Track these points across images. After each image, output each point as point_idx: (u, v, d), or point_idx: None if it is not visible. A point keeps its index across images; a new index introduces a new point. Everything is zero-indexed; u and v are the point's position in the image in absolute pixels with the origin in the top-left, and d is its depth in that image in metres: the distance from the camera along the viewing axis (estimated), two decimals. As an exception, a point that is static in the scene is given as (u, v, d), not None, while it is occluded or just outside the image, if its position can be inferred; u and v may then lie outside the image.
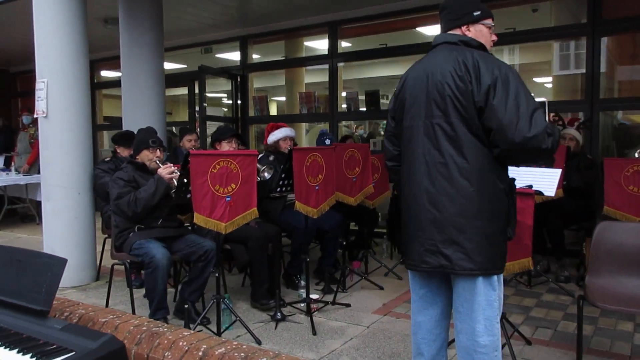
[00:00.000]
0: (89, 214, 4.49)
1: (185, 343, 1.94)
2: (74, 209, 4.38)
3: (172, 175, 3.46)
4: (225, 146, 4.01)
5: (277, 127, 4.50)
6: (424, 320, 2.12)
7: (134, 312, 3.47)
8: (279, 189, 3.65)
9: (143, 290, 3.80)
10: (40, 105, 4.33)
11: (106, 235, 4.70)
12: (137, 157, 3.68)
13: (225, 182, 3.11)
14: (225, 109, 11.09)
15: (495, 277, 1.99)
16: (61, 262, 1.95)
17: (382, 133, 9.01)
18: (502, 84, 1.85)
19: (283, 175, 3.62)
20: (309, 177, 3.56)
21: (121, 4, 5.24)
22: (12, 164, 7.85)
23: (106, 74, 9.58)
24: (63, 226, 4.36)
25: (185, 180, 3.08)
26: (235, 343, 1.92)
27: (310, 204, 3.58)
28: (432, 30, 6.50)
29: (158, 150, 3.65)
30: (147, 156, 3.62)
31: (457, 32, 2.06)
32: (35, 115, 4.40)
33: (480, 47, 2.01)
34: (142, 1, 5.16)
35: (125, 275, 4.42)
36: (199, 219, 3.01)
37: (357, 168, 4.13)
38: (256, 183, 3.28)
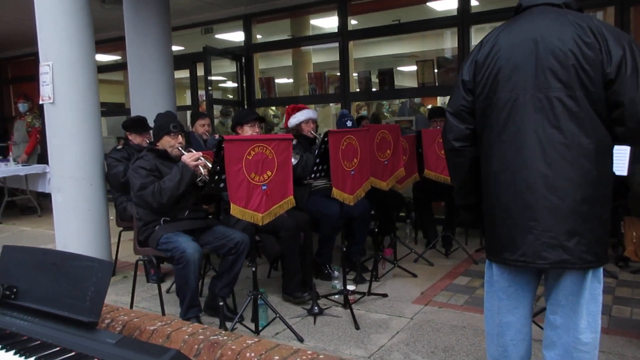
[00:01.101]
0: (102, 206, 4.24)
1: (253, 354, 1.71)
2: (86, 201, 4.11)
3: (197, 162, 3.22)
4: (248, 130, 3.76)
5: (299, 109, 4.25)
6: (513, 321, 1.91)
7: (163, 311, 3.26)
8: (313, 175, 3.41)
9: (162, 285, 3.59)
10: (45, 91, 4.04)
11: (121, 228, 4.46)
12: (157, 144, 3.42)
13: (261, 170, 2.87)
14: (224, 92, 10.76)
15: (601, 269, 1.79)
16: (107, 267, 1.70)
17: (386, 114, 8.77)
18: (631, 55, 1.64)
19: (318, 160, 3.38)
20: (345, 161, 3.33)
21: (124, -19, 4.92)
22: (10, 153, 7.52)
23: (100, 57, 9.20)
24: (76, 219, 4.10)
25: (218, 169, 2.83)
26: (309, 352, 1.71)
27: (347, 190, 3.36)
28: (443, 5, 6.24)
29: (180, 135, 3.40)
30: (169, 142, 3.37)
31: None
32: (40, 102, 4.10)
33: (580, 10, 1.79)
34: (146, -22, 4.85)
35: (144, 270, 4.24)
36: (235, 210, 2.77)
37: (388, 150, 3.90)
38: (292, 169, 3.05)
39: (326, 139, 3.25)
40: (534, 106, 1.73)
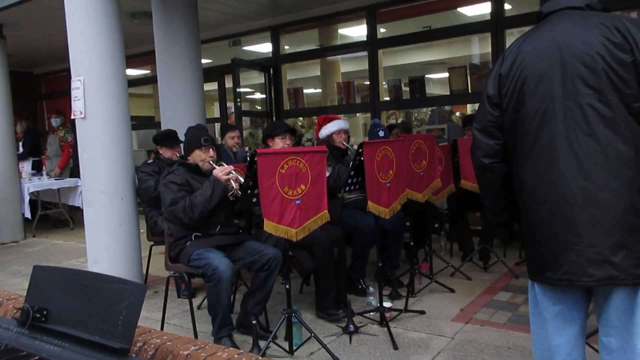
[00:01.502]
0: (133, 221, 4.20)
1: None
2: (117, 216, 4.08)
3: (229, 176, 3.15)
4: (279, 142, 3.68)
5: (330, 120, 4.16)
6: (562, 343, 1.76)
7: (194, 328, 3.17)
8: (347, 188, 3.30)
9: (194, 301, 3.51)
10: (77, 106, 4.04)
11: (152, 243, 4.43)
12: (188, 158, 3.37)
13: (295, 183, 2.77)
14: (252, 103, 10.76)
15: None
16: (140, 290, 1.62)
17: (415, 122, 8.59)
18: None
19: (352, 173, 3.26)
20: (380, 173, 3.21)
21: (154, -3, 4.92)
22: (43, 168, 7.63)
23: (130, 71, 9.31)
24: (107, 234, 4.07)
25: (251, 183, 2.74)
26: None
27: (382, 204, 3.24)
28: (475, 10, 6.08)
29: (211, 149, 3.33)
30: (200, 156, 3.31)
31: None
32: (72, 117, 4.10)
33: (605, 10, 1.70)
34: (176, -7, 4.84)
35: (175, 285, 4.19)
36: (268, 225, 2.68)
37: (424, 161, 3.76)
38: (326, 183, 2.94)
39: (361, 150, 3.14)
40: (564, 115, 1.64)
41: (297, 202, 2.78)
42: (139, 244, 4.30)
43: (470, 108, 9.32)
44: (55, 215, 7.90)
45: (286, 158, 2.72)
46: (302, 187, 2.81)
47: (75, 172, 7.97)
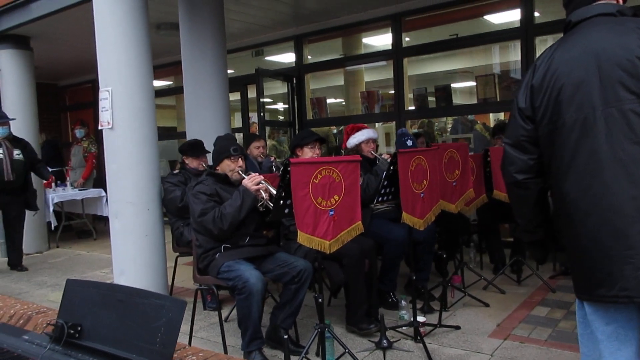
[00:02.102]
0: (159, 232, 4.15)
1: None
2: (143, 227, 4.04)
3: (258, 186, 3.08)
4: (308, 152, 3.61)
5: (358, 129, 4.08)
6: None
7: (224, 342, 3.09)
8: (380, 198, 3.21)
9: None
10: (104, 116, 4.02)
11: (177, 254, 4.38)
12: (217, 168, 3.31)
13: (328, 194, 2.69)
14: (274, 113, 10.75)
15: None
16: (179, 306, 1.54)
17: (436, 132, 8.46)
18: None
19: (386, 183, 3.17)
20: (414, 183, 3.11)
21: (181, 9, 4.91)
22: (67, 178, 7.68)
23: (154, 82, 9.38)
24: (133, 245, 4.03)
25: (283, 194, 2.67)
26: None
27: (417, 214, 3.13)
28: (503, 18, 5.98)
29: (240, 159, 3.28)
30: (229, 166, 3.25)
31: (611, 0, 1.68)
32: (100, 127, 4.09)
33: (635, 15, 1.63)
34: (202, 5, 4.82)
35: (201, 297, 4.12)
36: (302, 237, 2.59)
37: (456, 171, 3.66)
38: (360, 193, 2.85)
39: (395, 159, 3.04)
40: (606, 123, 1.55)
41: (331, 213, 2.70)
42: (165, 254, 4.26)
43: (492, 117, 9.17)
44: (79, 226, 7.93)
45: (320, 168, 2.64)
46: (336, 197, 2.72)
47: (98, 183, 8.01)
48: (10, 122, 5.64)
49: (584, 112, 1.60)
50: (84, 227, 7.81)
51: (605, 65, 1.57)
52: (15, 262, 5.83)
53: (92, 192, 7.29)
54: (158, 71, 8.28)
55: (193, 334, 3.42)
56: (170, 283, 4.42)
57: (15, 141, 5.64)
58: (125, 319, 1.61)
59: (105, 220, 7.58)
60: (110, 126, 4.00)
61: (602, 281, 1.58)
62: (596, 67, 1.58)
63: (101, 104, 4.05)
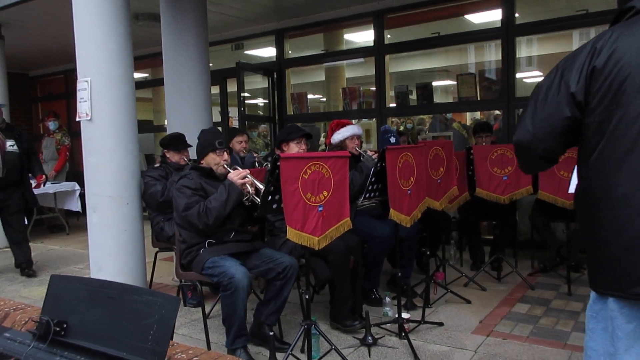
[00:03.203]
0: (138, 227, 4.05)
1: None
2: (122, 222, 3.93)
3: (244, 180, 3.03)
4: (294, 147, 3.57)
5: (343, 125, 4.05)
6: None
7: (207, 339, 3.04)
8: (367, 194, 3.19)
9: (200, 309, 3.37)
10: (83, 107, 3.90)
11: (157, 249, 4.29)
12: (201, 162, 3.25)
13: (317, 189, 2.66)
14: (254, 108, 10.65)
15: None
16: (172, 303, 1.50)
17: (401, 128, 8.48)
18: None
19: (373, 179, 3.16)
20: (402, 180, 3.11)
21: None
22: (39, 171, 7.44)
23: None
24: (111, 240, 3.92)
25: (272, 188, 2.63)
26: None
27: (404, 211, 3.13)
28: (482, 18, 6.04)
29: (225, 152, 3.22)
30: (214, 160, 3.19)
31: None
32: (77, 119, 3.96)
33: None
34: (185, -5, 4.73)
35: (182, 293, 4.05)
36: (291, 233, 2.56)
37: (441, 168, 3.67)
38: (348, 189, 2.83)
39: (383, 156, 3.03)
40: None
41: (320, 209, 2.67)
42: (144, 250, 4.16)
43: (469, 116, 9.28)
44: (51, 220, 7.71)
45: (309, 163, 2.61)
46: (325, 193, 2.70)
47: (71, 176, 7.80)
48: (2, 108, 5.11)
49: None
50: (57, 221, 7.60)
51: None
52: (23, 265, 5.20)
53: (66, 186, 7.09)
54: (135, 63, 8.11)
55: (174, 330, 3.34)
56: (149, 279, 4.32)
57: (7, 130, 5.04)
58: (116, 316, 1.55)
59: (78, 214, 7.39)
60: (88, 118, 3.88)
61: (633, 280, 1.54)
62: None
63: (79, 94, 3.92)
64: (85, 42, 3.88)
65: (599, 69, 1.59)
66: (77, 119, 3.98)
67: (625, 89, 1.55)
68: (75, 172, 7.97)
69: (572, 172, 3.13)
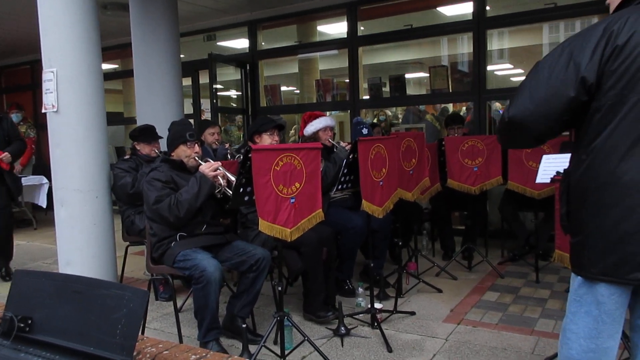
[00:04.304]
0: (108, 220, 3.98)
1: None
2: (91, 215, 3.85)
3: (216, 172, 3.01)
4: (267, 139, 3.55)
5: (316, 116, 4.04)
6: (613, 345, 1.68)
7: (179, 332, 3.01)
8: (340, 186, 3.20)
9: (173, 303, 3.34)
10: (49, 99, 3.80)
11: (127, 243, 4.22)
12: (172, 154, 3.20)
13: (289, 181, 2.66)
14: (227, 100, 10.54)
15: None
16: (141, 296, 1.47)
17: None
18: None
19: (345, 171, 3.16)
20: (374, 171, 3.13)
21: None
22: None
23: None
24: (80, 235, 3.84)
25: (244, 180, 2.61)
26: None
27: (376, 202, 3.15)
28: (455, 10, 6.09)
29: (196, 144, 3.18)
30: (185, 152, 3.15)
31: None
32: (43, 110, 3.86)
33: None
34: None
35: (153, 287, 4.00)
36: (263, 225, 2.55)
37: (413, 160, 3.70)
38: (320, 181, 2.84)
39: (355, 147, 3.04)
40: None
41: (292, 200, 2.67)
42: (114, 244, 4.10)
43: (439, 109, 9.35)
44: (18, 215, 7.50)
45: (281, 155, 2.60)
46: (297, 184, 2.69)
47: (38, 170, 7.60)
48: None
49: None
50: (24, 215, 7.41)
51: None
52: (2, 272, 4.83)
53: (33, 180, 6.91)
54: (103, 54, 7.91)
55: (146, 325, 3.32)
56: (120, 273, 4.26)
57: None
58: (83, 311, 1.52)
59: (45, 209, 7.21)
60: (55, 109, 3.78)
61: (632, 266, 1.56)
62: None
63: (45, 85, 3.82)
64: (50, 32, 3.78)
65: (618, 50, 1.53)
66: (43, 111, 3.88)
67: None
68: (42, 166, 7.78)
69: (539, 163, 3.22)
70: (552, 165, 3.10)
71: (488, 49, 5.56)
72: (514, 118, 1.68)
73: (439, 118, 7.44)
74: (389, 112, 8.17)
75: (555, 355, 2.57)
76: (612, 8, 1.68)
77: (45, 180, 6.95)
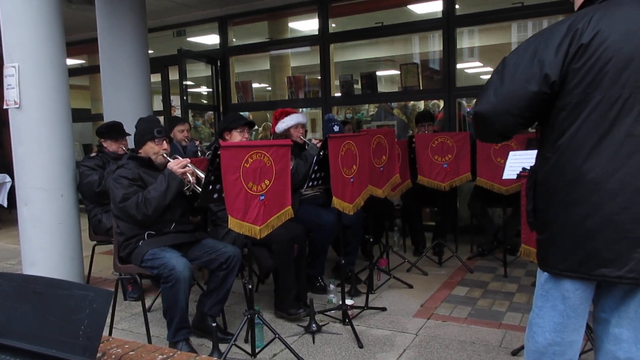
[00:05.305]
0: (74, 219, 3.89)
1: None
2: (57, 214, 3.77)
3: (185, 169, 2.96)
4: (237, 136, 3.51)
5: (287, 113, 4.03)
6: (577, 339, 1.73)
7: (148, 332, 2.96)
8: (310, 183, 3.19)
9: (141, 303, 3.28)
10: (10, 95, 3.69)
11: (95, 242, 4.13)
12: (139, 151, 3.14)
13: (259, 178, 2.64)
14: (197, 97, 10.41)
15: None
16: (104, 296, 1.43)
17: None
18: None
19: (316, 168, 3.16)
20: (344, 168, 3.13)
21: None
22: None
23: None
24: (45, 235, 3.75)
25: (212, 178, 2.58)
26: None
27: (346, 199, 3.16)
28: (425, 8, 6.14)
29: (164, 141, 3.13)
30: (153, 149, 3.09)
31: None
32: (5, 106, 3.74)
33: None
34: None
35: (121, 286, 3.92)
36: (232, 223, 2.53)
37: (384, 156, 3.72)
38: (290, 178, 2.83)
39: (325, 144, 3.04)
40: None
41: (261, 197, 2.65)
42: (80, 243, 4.01)
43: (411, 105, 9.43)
44: (-19, 215, 7.28)
45: (251, 152, 2.58)
46: (267, 182, 2.68)
47: (1, 168, 7.37)
48: None
49: (628, 91, 1.54)
50: (-14, 215, 7.18)
51: None
52: None
53: (-5, 178, 6.70)
54: (69, 49, 7.72)
55: (114, 325, 3.26)
56: (87, 273, 4.17)
57: None
58: (44, 313, 1.48)
59: (8, 208, 7.01)
60: (17, 105, 3.67)
61: (609, 262, 1.57)
62: None
63: (6, 81, 3.70)
64: (11, 25, 3.67)
65: (584, 46, 1.55)
66: (5, 107, 3.76)
67: (607, 72, 1.54)
68: (6, 164, 7.54)
69: (506, 159, 3.28)
70: (518, 161, 3.17)
71: (458, 47, 5.63)
72: (478, 113, 1.70)
73: (406, 111, 7.53)
74: (363, 110, 8.22)
75: (522, 347, 2.63)
76: (576, 6, 1.72)
77: (8, 178, 6.76)
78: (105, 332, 3.04)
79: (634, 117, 1.53)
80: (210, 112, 7.94)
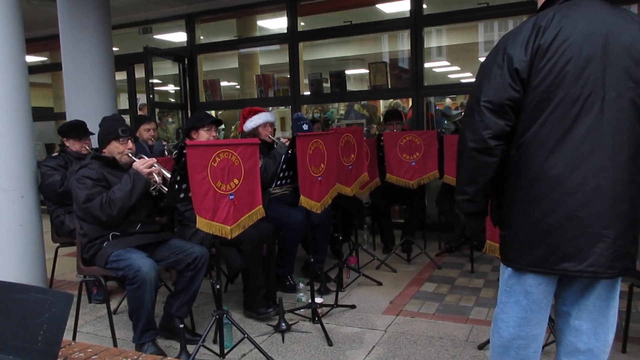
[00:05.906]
0: (35, 221, 3.77)
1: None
2: (17, 216, 3.63)
3: (151, 169, 2.91)
4: (204, 135, 3.47)
5: (255, 112, 4.01)
6: (540, 333, 1.78)
7: (113, 335, 2.90)
8: (279, 182, 3.18)
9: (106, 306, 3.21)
10: (-34, 92, 3.55)
11: (57, 244, 4.02)
12: (103, 151, 3.07)
13: (228, 177, 2.61)
14: (164, 95, 10.25)
15: None
16: (64, 300, 1.40)
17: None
18: None
19: (284, 167, 3.15)
20: (312, 167, 3.13)
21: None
22: None
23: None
24: (5, 237, 3.60)
25: (178, 178, 2.54)
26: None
27: (314, 198, 3.16)
28: (394, 8, 6.19)
29: (129, 140, 3.06)
30: (117, 148, 3.03)
31: None
32: (-40, 104, 3.60)
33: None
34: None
35: (86, 289, 3.84)
36: (201, 223, 2.50)
37: (352, 155, 3.74)
38: (259, 177, 2.81)
39: (293, 143, 3.03)
40: (611, 105, 1.57)
41: (231, 197, 2.63)
42: (43, 246, 3.89)
43: (383, 104, 9.53)
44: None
45: (218, 150, 2.55)
46: (236, 181, 2.65)
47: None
48: None
49: (588, 90, 1.57)
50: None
51: (615, 49, 1.57)
52: None
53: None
54: (30, 45, 7.49)
55: (78, 329, 3.17)
56: (49, 276, 4.05)
57: None
58: (0, 318, 1.43)
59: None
60: (-26, 103, 3.54)
61: (570, 257, 1.61)
62: (606, 47, 1.57)
63: (-38, 77, 3.56)
64: (-34, 20, 3.53)
65: (544, 47, 1.58)
66: (-40, 105, 3.62)
67: (568, 72, 1.58)
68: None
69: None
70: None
71: (425, 46, 5.70)
72: (474, 149, 1.68)
73: (367, 105, 7.61)
74: (332, 109, 8.24)
75: (488, 341, 2.68)
76: (538, 5, 1.77)
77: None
78: (69, 336, 2.99)
79: (594, 115, 1.57)
80: (173, 111, 7.84)
